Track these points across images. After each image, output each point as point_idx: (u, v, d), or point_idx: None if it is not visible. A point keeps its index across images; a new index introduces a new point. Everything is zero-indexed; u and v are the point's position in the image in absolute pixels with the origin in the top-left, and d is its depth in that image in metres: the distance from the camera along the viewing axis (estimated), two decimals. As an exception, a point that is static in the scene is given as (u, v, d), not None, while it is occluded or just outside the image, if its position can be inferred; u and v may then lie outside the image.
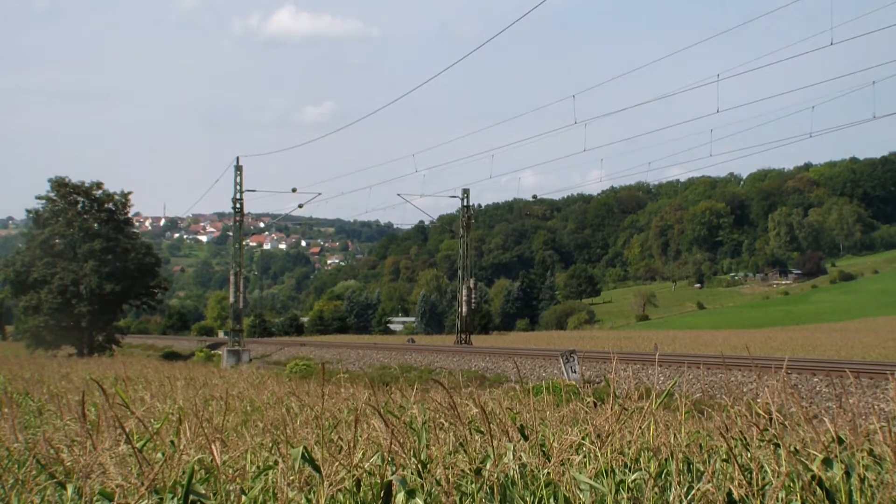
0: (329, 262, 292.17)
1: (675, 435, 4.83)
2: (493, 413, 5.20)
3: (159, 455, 4.87)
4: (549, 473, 4.10)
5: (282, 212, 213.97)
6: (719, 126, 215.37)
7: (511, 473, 4.23)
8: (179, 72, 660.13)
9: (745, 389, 20.15)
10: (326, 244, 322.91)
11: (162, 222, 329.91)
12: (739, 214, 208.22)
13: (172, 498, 3.75)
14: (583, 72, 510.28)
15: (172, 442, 5.22)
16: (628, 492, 4.04)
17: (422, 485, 4.07)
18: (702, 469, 4.32)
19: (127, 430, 4.64)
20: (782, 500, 3.85)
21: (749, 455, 4.27)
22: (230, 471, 4.37)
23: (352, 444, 4.19)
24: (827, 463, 3.92)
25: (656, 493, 4.03)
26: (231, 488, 4.09)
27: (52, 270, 58.41)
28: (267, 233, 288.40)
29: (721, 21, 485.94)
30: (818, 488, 3.83)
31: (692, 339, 63.69)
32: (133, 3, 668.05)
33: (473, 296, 56.62)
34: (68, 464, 4.52)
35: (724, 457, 4.43)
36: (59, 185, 61.08)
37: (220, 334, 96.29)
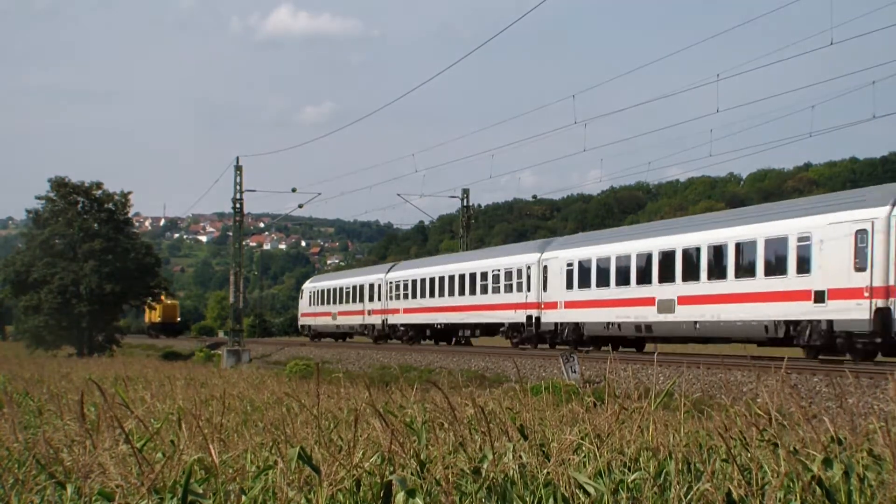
0: (329, 262, 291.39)
1: (674, 435, 4.83)
2: (493, 413, 5.21)
3: (159, 455, 4.87)
4: (548, 473, 4.10)
5: (282, 212, 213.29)
6: (719, 126, 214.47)
7: (510, 473, 4.24)
8: (179, 72, 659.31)
9: (744, 389, 20.14)
10: (326, 244, 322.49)
11: (162, 222, 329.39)
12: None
13: (172, 498, 3.75)
14: (583, 72, 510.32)
15: (172, 442, 5.22)
16: (627, 491, 4.04)
17: (421, 485, 4.07)
18: (701, 469, 4.32)
19: (127, 429, 4.64)
20: (781, 500, 3.85)
21: (748, 455, 4.27)
22: (230, 470, 4.37)
23: (351, 444, 4.20)
24: (826, 463, 3.92)
25: (655, 493, 4.03)
26: (231, 488, 4.09)
27: (52, 270, 58.40)
28: (267, 233, 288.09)
29: (721, 21, 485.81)
30: (817, 488, 3.83)
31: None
32: (132, 3, 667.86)
33: (473, 296, 56.57)
34: (68, 464, 4.51)
35: (724, 457, 4.43)
36: (59, 185, 61.08)
37: (220, 334, 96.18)
